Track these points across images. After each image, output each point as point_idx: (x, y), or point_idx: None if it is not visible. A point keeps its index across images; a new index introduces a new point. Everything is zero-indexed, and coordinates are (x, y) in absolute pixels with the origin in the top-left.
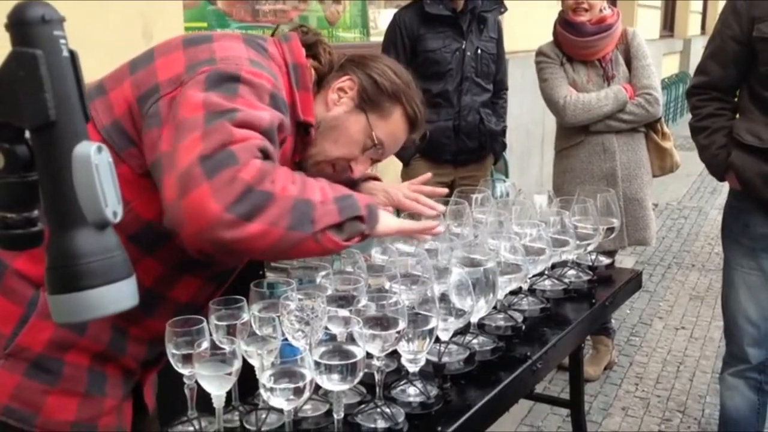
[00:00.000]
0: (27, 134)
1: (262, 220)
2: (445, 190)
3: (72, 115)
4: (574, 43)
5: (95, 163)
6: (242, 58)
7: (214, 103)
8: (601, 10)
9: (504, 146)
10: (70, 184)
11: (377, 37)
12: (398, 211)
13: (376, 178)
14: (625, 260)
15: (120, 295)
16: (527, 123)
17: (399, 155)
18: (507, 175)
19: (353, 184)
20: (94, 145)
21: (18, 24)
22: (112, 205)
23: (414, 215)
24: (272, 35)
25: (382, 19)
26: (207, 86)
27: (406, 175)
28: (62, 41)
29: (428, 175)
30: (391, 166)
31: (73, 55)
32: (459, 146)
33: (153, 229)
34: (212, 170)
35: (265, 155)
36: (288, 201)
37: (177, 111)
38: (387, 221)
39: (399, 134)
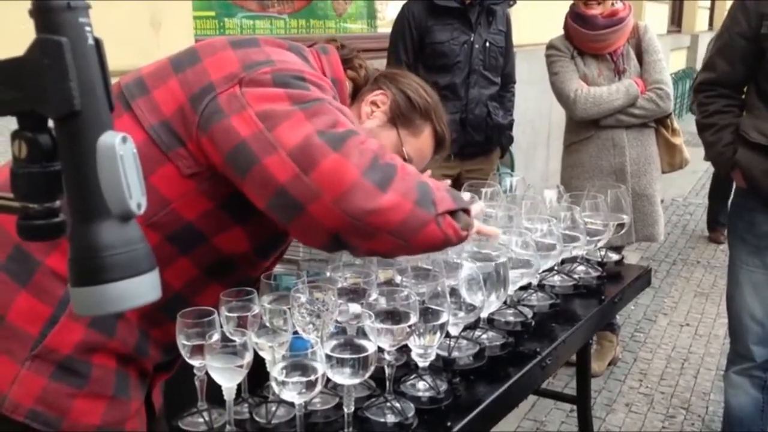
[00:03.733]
0: (50, 123)
1: (394, 191)
2: (448, 182)
3: (97, 104)
4: (586, 36)
5: (120, 154)
6: (298, 62)
7: (297, 94)
8: (612, 4)
9: (511, 140)
10: (95, 175)
11: (384, 28)
12: None
13: None
14: (631, 256)
15: (143, 288)
16: (533, 117)
17: None
18: (513, 169)
19: None
20: (119, 135)
21: (43, 10)
22: (136, 196)
23: None
24: (310, 47)
25: (389, 10)
26: (276, 84)
27: None
28: (87, 29)
29: (428, 171)
30: None
31: (98, 43)
32: (466, 139)
33: (193, 229)
34: (335, 142)
35: None
36: (411, 176)
37: (252, 104)
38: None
39: (427, 152)
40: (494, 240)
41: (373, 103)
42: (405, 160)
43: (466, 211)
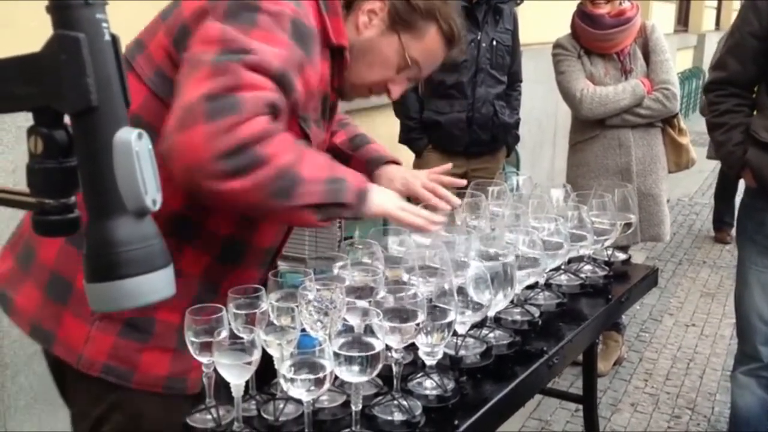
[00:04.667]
0: (66, 119)
1: (246, 181)
2: (464, 181)
3: (113, 100)
4: (593, 35)
5: (136, 150)
6: None
7: (230, 39)
8: (620, 3)
9: (517, 139)
10: (110, 171)
11: None
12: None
13: (397, 162)
14: (636, 256)
15: (158, 284)
16: (539, 116)
17: (411, 146)
18: (518, 168)
19: (374, 165)
20: (135, 132)
21: (60, 6)
22: (151, 192)
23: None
24: None
25: None
26: (226, 17)
27: (418, 167)
28: (104, 25)
29: (448, 165)
30: (403, 157)
31: (114, 39)
32: (472, 138)
33: None
34: (214, 113)
35: (274, 110)
36: (276, 169)
37: (193, 43)
38: (380, 203)
39: (436, 52)
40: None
41: (371, 11)
42: (408, 66)
43: (346, 205)
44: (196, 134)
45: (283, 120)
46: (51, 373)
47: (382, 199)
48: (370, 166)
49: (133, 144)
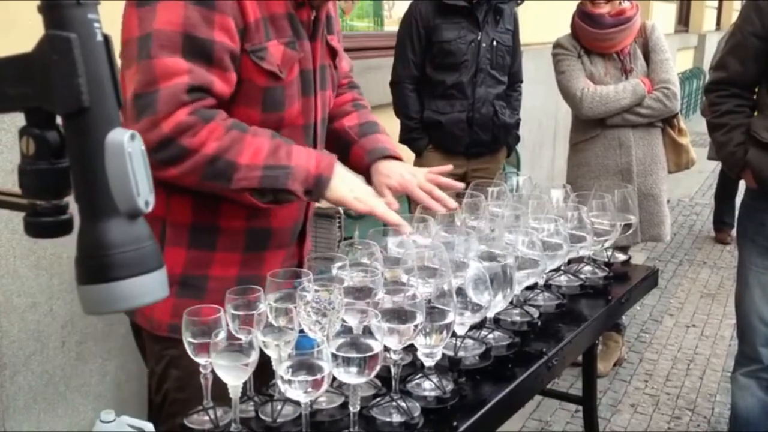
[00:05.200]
0: (58, 120)
1: (177, 169)
2: (462, 185)
3: (105, 101)
4: (593, 35)
5: (128, 151)
6: None
7: (142, 25)
8: (620, 3)
9: (517, 139)
10: (103, 172)
11: (391, 27)
12: (409, 200)
13: (398, 158)
14: (637, 256)
15: (151, 286)
16: (540, 116)
17: (412, 146)
18: (519, 168)
19: (374, 156)
20: (127, 133)
21: (52, 7)
22: (144, 194)
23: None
24: None
25: (396, 8)
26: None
27: (419, 167)
28: (96, 25)
29: (449, 167)
30: (404, 156)
31: (107, 40)
32: (472, 138)
33: None
34: (140, 112)
35: (199, 89)
36: (203, 157)
37: (122, 30)
38: (336, 190)
39: None
40: (396, 229)
41: None
42: None
43: (289, 191)
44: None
45: (224, 81)
46: (136, 343)
47: (339, 186)
48: (370, 156)
49: (125, 145)
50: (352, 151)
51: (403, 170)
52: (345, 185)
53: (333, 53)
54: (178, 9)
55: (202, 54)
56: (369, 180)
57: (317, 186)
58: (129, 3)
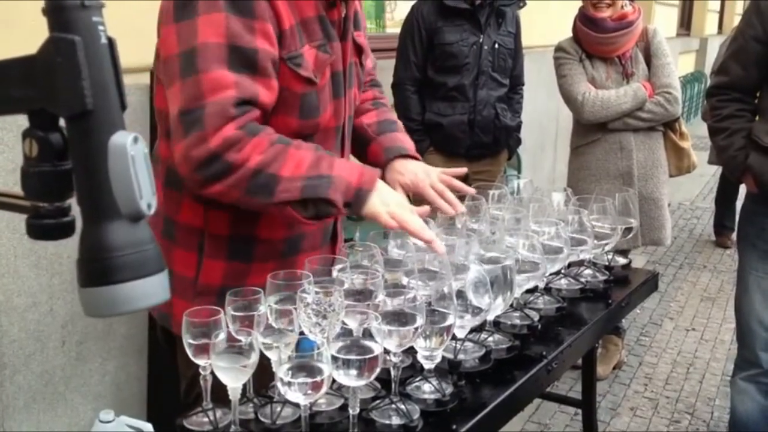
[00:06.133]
0: (61, 122)
1: (222, 185)
2: (474, 190)
3: (109, 104)
4: (594, 39)
5: (131, 154)
6: None
7: (183, 41)
8: (622, 7)
9: (519, 142)
10: (105, 175)
11: (393, 29)
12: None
13: (416, 158)
14: (637, 259)
15: (152, 289)
16: (541, 119)
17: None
18: (520, 171)
19: (390, 154)
20: (130, 136)
21: (56, 9)
22: (146, 197)
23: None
24: None
25: (398, 10)
26: (175, 17)
27: None
28: (101, 27)
29: (464, 169)
30: None
31: (111, 42)
32: (473, 141)
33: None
34: (187, 129)
35: (248, 102)
36: (248, 171)
37: (160, 47)
38: (372, 206)
39: None
40: (427, 245)
41: None
42: None
43: (331, 202)
44: (178, 149)
45: (268, 89)
46: (166, 346)
47: (376, 202)
48: (387, 154)
49: (128, 148)
50: (369, 148)
51: (418, 169)
52: (380, 200)
53: (359, 50)
54: (220, 21)
55: (248, 63)
56: (383, 177)
57: (357, 199)
58: (165, 20)
